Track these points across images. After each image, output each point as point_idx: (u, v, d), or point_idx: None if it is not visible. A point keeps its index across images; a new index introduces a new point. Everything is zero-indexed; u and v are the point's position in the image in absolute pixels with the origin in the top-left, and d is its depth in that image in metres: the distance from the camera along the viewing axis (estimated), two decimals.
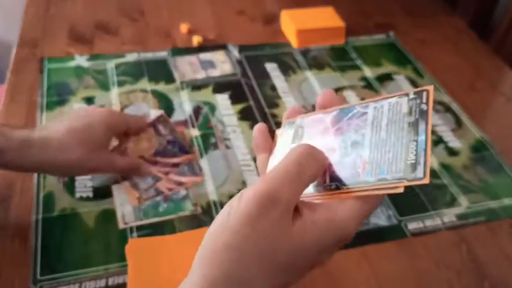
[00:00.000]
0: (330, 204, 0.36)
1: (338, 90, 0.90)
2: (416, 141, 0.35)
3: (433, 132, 0.83)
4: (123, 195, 0.68)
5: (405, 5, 1.16)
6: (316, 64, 0.96)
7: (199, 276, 0.34)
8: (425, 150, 0.35)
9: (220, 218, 0.35)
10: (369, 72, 0.95)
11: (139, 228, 0.64)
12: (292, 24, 1.00)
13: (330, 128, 0.40)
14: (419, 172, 0.34)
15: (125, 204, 0.67)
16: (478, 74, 0.97)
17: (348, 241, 0.37)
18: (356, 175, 0.37)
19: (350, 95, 0.89)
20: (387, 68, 0.97)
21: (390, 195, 0.71)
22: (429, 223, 0.68)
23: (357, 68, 0.96)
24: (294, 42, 1.00)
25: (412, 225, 0.68)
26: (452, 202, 0.71)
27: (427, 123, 0.35)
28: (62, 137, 0.60)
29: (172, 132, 0.74)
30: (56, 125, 0.62)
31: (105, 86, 0.86)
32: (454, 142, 0.81)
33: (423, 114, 0.36)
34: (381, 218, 0.68)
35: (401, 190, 0.34)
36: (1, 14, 1.50)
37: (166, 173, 0.70)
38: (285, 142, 0.44)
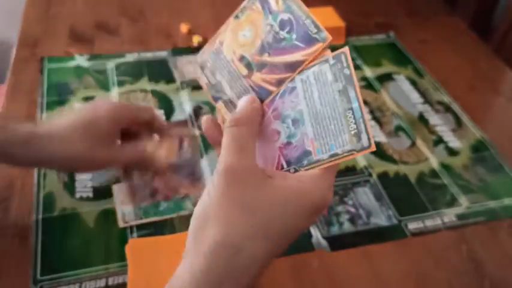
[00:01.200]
0: (299, 173, 0.39)
1: None
2: (352, 109, 0.36)
3: (434, 132, 0.83)
4: (123, 194, 0.68)
5: (405, 5, 1.16)
6: None
7: (193, 253, 0.37)
8: (362, 117, 0.36)
9: (203, 200, 0.38)
10: (369, 72, 0.95)
11: (139, 228, 0.64)
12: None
13: (268, 113, 0.41)
14: (365, 141, 0.36)
15: (125, 204, 0.67)
16: (478, 74, 0.97)
17: (324, 207, 0.38)
18: (308, 154, 0.38)
19: None
20: (387, 68, 0.97)
21: (390, 195, 0.71)
22: (429, 223, 0.68)
23: (357, 68, 0.96)
24: None
25: (412, 225, 0.68)
26: (453, 202, 0.71)
27: (355, 89, 0.36)
28: (64, 131, 0.59)
29: (194, 155, 0.70)
30: (60, 120, 0.61)
31: (105, 86, 0.86)
32: (454, 142, 0.81)
33: (348, 79, 0.37)
34: (381, 218, 0.68)
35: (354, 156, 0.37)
36: (1, 14, 1.50)
37: (168, 195, 0.68)
38: None
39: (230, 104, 0.43)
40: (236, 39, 0.42)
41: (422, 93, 0.91)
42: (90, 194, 0.68)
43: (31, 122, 0.62)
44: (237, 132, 0.38)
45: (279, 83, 0.40)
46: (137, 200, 0.67)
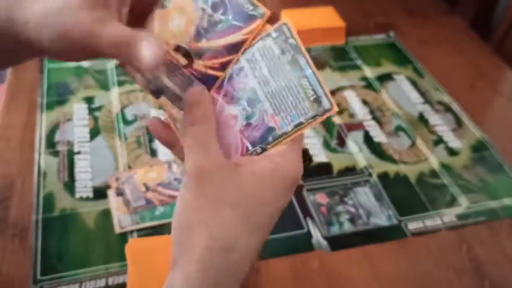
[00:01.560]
0: (266, 153, 0.38)
1: (338, 90, 0.90)
2: (306, 76, 0.36)
3: (434, 132, 0.83)
4: (116, 201, 0.68)
5: (405, 5, 1.16)
6: (317, 64, 0.96)
7: (184, 262, 0.36)
8: (318, 82, 0.36)
9: (181, 207, 0.37)
10: (369, 72, 0.95)
11: (139, 229, 0.64)
12: (292, 24, 1.00)
13: (219, 100, 0.39)
14: (326, 104, 0.36)
15: (120, 210, 0.67)
16: (478, 74, 0.97)
17: (298, 179, 0.38)
18: (272, 130, 0.38)
19: (350, 95, 0.89)
20: (387, 67, 0.97)
21: (390, 195, 0.71)
22: (429, 223, 0.68)
23: (357, 67, 0.96)
24: None
25: (412, 225, 0.68)
26: (453, 202, 0.71)
27: (304, 57, 0.36)
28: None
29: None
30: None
31: (105, 86, 0.86)
32: (454, 142, 0.81)
33: (295, 49, 0.37)
34: (381, 218, 0.68)
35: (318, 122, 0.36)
36: None
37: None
38: None
39: (174, 97, 0.40)
40: (166, 29, 0.39)
41: (422, 93, 0.91)
42: (90, 194, 0.68)
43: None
44: (195, 131, 0.37)
45: (224, 66, 0.38)
46: (131, 209, 0.67)
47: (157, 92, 0.40)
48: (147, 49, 0.35)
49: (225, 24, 0.38)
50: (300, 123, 0.37)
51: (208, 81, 0.39)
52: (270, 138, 0.38)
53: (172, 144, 0.40)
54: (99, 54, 0.38)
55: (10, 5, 0.39)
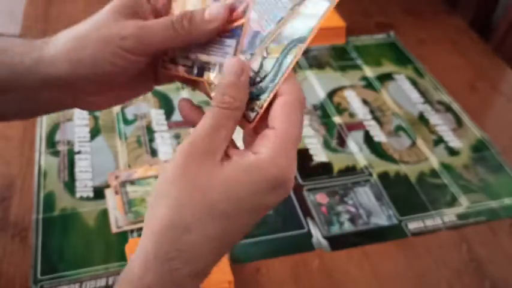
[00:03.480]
0: (255, 147, 0.37)
1: (338, 89, 0.90)
2: None
3: (434, 132, 0.83)
4: (114, 199, 0.68)
5: (406, 4, 1.16)
6: (317, 64, 0.96)
7: (145, 233, 0.36)
8: None
9: (160, 176, 0.37)
10: (369, 71, 0.95)
11: (139, 227, 0.64)
12: None
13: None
14: None
15: (117, 209, 0.67)
16: (478, 73, 0.97)
17: (285, 181, 0.37)
18: (257, 33, 0.39)
19: (350, 95, 0.89)
20: (388, 67, 0.97)
21: (390, 195, 0.71)
22: (429, 223, 0.68)
23: (357, 67, 0.96)
24: None
25: (413, 225, 0.68)
26: (453, 202, 0.71)
27: None
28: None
29: None
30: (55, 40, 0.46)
31: None
32: (454, 142, 0.81)
33: None
34: (381, 218, 0.68)
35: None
36: (1, 14, 1.50)
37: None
38: None
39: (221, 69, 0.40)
40: (185, 8, 0.42)
41: (423, 93, 0.91)
42: (90, 194, 0.68)
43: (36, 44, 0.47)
44: (218, 114, 0.37)
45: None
46: (126, 208, 0.66)
47: (200, 71, 0.41)
48: (210, 10, 0.40)
49: None
50: (281, 18, 0.38)
51: (236, 33, 0.40)
52: (257, 42, 0.39)
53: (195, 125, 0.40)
54: (154, 51, 0.41)
55: (37, 46, 0.45)
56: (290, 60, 0.38)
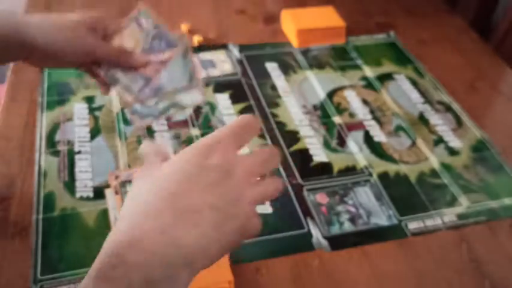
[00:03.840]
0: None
1: (338, 89, 0.90)
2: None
3: (434, 132, 0.83)
4: (114, 199, 0.68)
5: (406, 4, 1.16)
6: (317, 64, 0.96)
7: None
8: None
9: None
10: (369, 71, 0.95)
11: None
12: (292, 24, 1.00)
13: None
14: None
15: (117, 208, 0.67)
16: (478, 73, 0.97)
17: (215, 144, 0.41)
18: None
19: (350, 95, 0.89)
20: (388, 67, 0.97)
21: (390, 195, 0.71)
22: (429, 223, 0.68)
23: (357, 67, 0.96)
24: (294, 41, 1.00)
25: (413, 225, 0.68)
26: (453, 202, 0.71)
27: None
28: (42, 22, 0.62)
29: (157, 25, 0.65)
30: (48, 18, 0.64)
31: None
32: (454, 142, 0.81)
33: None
34: (381, 218, 0.68)
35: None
36: None
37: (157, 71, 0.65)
38: None
39: (126, 87, 0.63)
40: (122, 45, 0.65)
41: (423, 93, 0.91)
42: (90, 194, 0.68)
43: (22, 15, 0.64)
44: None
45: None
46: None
47: (113, 83, 0.64)
48: (138, 57, 0.64)
49: (158, 47, 0.64)
50: (180, 88, 0.62)
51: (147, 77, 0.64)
52: (159, 92, 0.62)
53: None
54: (99, 60, 0.64)
55: (18, 19, 0.61)
56: (163, 106, 0.62)
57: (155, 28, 0.66)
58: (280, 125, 0.82)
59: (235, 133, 0.42)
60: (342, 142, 0.80)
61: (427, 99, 0.89)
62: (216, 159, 0.40)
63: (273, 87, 0.90)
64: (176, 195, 0.38)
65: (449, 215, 0.69)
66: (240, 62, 0.95)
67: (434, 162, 0.77)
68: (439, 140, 0.81)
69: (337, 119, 0.84)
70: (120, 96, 0.64)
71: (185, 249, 0.36)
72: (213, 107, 0.84)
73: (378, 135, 0.81)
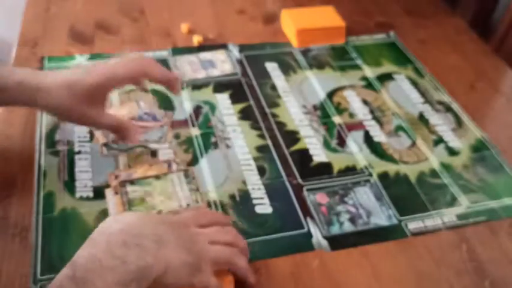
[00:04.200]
0: None
1: (338, 89, 0.90)
2: None
3: (434, 132, 0.83)
4: (114, 199, 0.68)
5: (406, 4, 1.16)
6: (317, 64, 0.96)
7: None
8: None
9: None
10: (369, 71, 0.95)
11: None
12: (292, 24, 1.00)
13: None
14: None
15: (116, 208, 0.67)
16: (478, 74, 0.97)
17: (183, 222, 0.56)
18: None
19: (350, 95, 0.89)
20: (387, 67, 0.97)
21: (390, 195, 0.71)
22: (429, 223, 0.68)
23: (357, 67, 0.96)
24: (294, 41, 1.00)
25: (413, 225, 0.68)
26: (453, 202, 0.71)
27: None
28: (51, 86, 0.65)
29: (152, 108, 0.80)
30: (53, 74, 0.66)
31: None
32: (454, 142, 0.81)
33: None
34: (381, 218, 0.68)
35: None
36: (1, 14, 1.50)
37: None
38: None
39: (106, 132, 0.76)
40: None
41: (423, 93, 0.91)
42: (90, 194, 0.68)
43: (26, 69, 0.68)
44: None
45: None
46: (126, 209, 0.67)
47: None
48: (134, 131, 0.71)
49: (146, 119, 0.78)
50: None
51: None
52: None
53: None
54: (99, 128, 0.75)
55: (39, 78, 0.65)
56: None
57: (150, 109, 0.81)
58: (280, 125, 0.82)
59: (194, 216, 0.56)
60: (341, 142, 0.80)
61: (427, 99, 0.89)
62: (177, 218, 0.55)
63: (273, 87, 0.90)
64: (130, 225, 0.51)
65: (449, 215, 0.69)
66: (240, 62, 0.95)
67: (434, 162, 0.77)
68: (439, 140, 0.81)
69: (337, 119, 0.84)
70: (97, 137, 0.76)
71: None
72: (212, 107, 0.84)
73: (378, 135, 0.81)
